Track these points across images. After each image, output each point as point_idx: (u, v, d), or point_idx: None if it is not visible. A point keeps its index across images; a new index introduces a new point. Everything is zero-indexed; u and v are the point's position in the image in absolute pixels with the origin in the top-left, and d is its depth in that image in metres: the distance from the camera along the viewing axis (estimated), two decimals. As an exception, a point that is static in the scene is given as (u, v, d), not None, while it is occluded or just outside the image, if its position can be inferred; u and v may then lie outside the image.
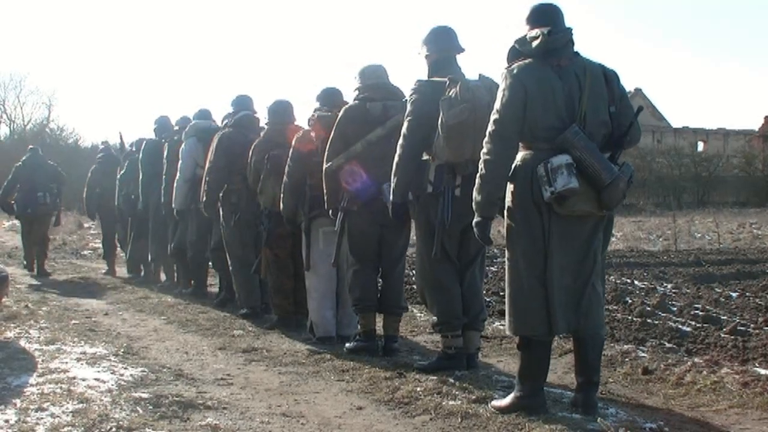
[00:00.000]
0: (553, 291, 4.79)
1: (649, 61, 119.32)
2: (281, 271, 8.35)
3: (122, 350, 7.13)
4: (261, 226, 8.44)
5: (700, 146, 62.48)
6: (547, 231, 4.79)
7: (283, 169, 7.74)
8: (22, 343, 7.34)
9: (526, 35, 4.91)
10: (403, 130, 6.10)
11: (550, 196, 4.66)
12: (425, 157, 6.12)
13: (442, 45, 6.32)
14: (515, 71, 4.84)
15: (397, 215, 6.31)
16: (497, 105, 4.88)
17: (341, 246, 7.05)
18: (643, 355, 6.65)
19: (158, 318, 9.29)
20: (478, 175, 4.95)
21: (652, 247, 21.43)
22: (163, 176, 11.09)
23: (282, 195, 7.75)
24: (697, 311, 8.53)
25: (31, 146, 15.87)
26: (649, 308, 8.57)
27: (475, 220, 5.05)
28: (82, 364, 6.47)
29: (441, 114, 5.76)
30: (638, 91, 67.44)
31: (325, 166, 6.92)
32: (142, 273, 13.31)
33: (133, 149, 13.37)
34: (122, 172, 13.34)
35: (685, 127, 64.49)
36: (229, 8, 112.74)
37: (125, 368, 6.36)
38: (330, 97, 7.76)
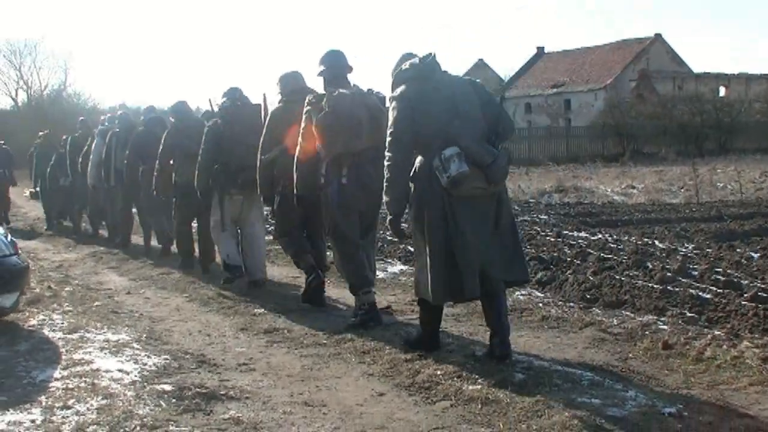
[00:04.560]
0: (468, 264, 5.71)
1: (669, 5, 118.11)
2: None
3: (145, 335, 7.21)
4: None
5: (722, 92, 61.94)
6: (449, 213, 5.71)
7: (193, 155, 9.90)
8: (46, 331, 7.43)
9: (401, 67, 6.11)
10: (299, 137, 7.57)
11: (447, 181, 5.62)
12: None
13: (334, 64, 7.68)
14: (399, 94, 5.96)
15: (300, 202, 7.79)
16: (391, 122, 5.95)
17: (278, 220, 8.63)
18: (663, 327, 6.65)
19: (180, 296, 9.35)
20: (384, 180, 6.01)
21: (673, 199, 21.33)
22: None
23: (197, 171, 9.63)
24: (718, 276, 8.48)
25: None
26: (669, 274, 8.53)
27: (388, 218, 6.12)
28: (105, 353, 6.55)
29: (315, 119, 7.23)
30: (658, 37, 66.78)
31: (260, 159, 8.34)
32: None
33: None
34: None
35: (706, 72, 63.89)
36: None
37: (148, 356, 6.43)
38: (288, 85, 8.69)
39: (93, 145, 14.60)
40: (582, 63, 70.05)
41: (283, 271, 10.35)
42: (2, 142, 22.31)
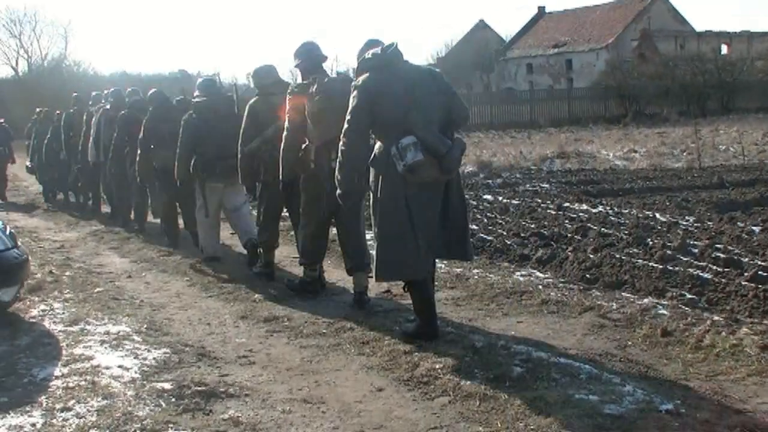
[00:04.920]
0: (418, 245, 6.14)
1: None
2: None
3: (145, 326, 7.21)
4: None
5: (724, 50, 61.59)
6: (404, 197, 6.12)
7: (168, 139, 10.54)
8: (47, 323, 7.43)
9: (365, 55, 6.45)
10: (286, 123, 7.83)
11: (403, 168, 5.98)
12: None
13: (310, 55, 8.02)
14: (361, 82, 6.30)
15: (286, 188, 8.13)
16: (350, 108, 6.31)
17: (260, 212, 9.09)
18: (662, 312, 6.65)
19: (181, 279, 9.37)
20: (337, 162, 6.45)
21: (675, 164, 21.28)
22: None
23: (177, 162, 10.02)
24: (718, 253, 8.47)
25: None
26: (669, 252, 8.52)
27: (338, 193, 6.58)
28: (105, 347, 6.55)
29: (306, 107, 7.52)
30: (659, -5, 66.33)
31: (240, 150, 8.71)
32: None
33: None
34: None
35: (708, 30, 63.52)
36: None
37: (148, 350, 6.43)
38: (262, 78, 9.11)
39: (92, 123, 14.61)
40: (583, 22, 69.66)
41: (284, 251, 10.32)
42: (2, 120, 22.44)
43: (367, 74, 6.32)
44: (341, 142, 6.40)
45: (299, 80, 8.00)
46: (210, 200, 9.98)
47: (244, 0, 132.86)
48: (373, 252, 6.47)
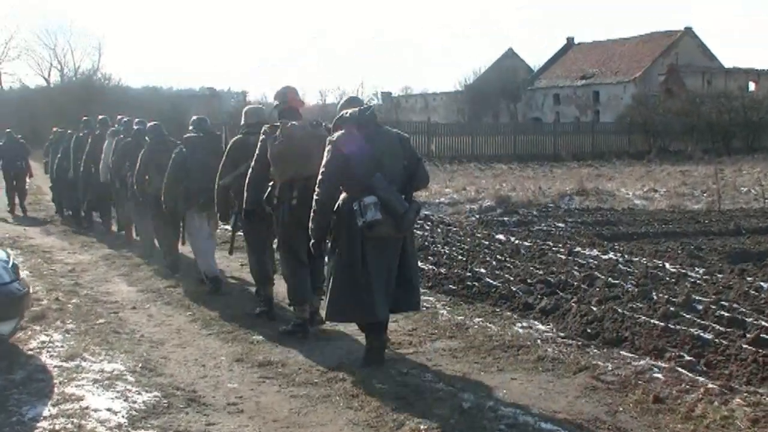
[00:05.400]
0: (372, 290, 6.71)
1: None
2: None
3: (140, 365, 7.22)
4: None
5: (752, 87, 61.30)
6: (362, 248, 6.73)
7: (163, 168, 11.16)
8: (44, 357, 7.47)
9: (343, 113, 7.09)
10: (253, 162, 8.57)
11: (362, 224, 6.61)
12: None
13: (287, 100, 8.76)
14: (335, 139, 6.92)
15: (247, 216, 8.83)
16: (324, 162, 6.93)
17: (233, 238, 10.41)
18: (657, 375, 6.59)
19: (184, 314, 9.39)
20: (312, 210, 7.00)
21: (695, 205, 21.18)
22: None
23: (164, 191, 10.98)
24: (722, 311, 8.38)
25: (8, 129, 23.01)
26: (672, 309, 8.44)
27: (311, 242, 7.15)
28: (97, 387, 6.58)
29: (269, 148, 8.20)
30: (688, 30, 66.24)
31: (218, 182, 9.55)
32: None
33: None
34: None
35: (735, 67, 63.27)
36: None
37: (139, 393, 6.44)
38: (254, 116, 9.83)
39: (105, 145, 15.25)
40: (611, 55, 69.64)
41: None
42: (19, 136, 23.20)
43: (342, 132, 6.94)
44: (315, 192, 6.99)
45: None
46: (190, 227, 10.97)
47: (275, 20, 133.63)
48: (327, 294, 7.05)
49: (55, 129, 21.47)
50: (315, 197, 6.97)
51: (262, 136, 8.44)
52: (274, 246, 9.33)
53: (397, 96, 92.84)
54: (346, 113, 7.06)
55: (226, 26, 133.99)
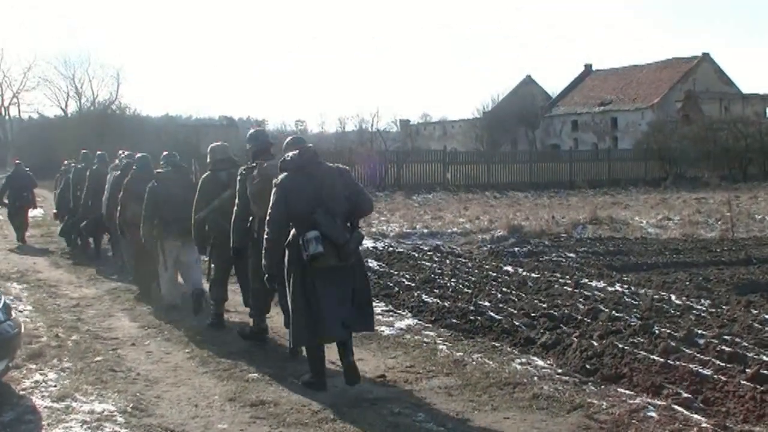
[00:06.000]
0: (323, 315, 7.32)
1: (718, 24, 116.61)
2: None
3: (131, 405, 7.16)
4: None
5: (769, 113, 61.00)
6: (310, 278, 7.36)
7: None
8: (35, 398, 7.41)
9: (285, 156, 7.73)
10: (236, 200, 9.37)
11: (306, 257, 7.21)
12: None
13: (259, 141, 9.68)
14: (280, 181, 7.57)
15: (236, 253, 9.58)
16: (271, 203, 7.60)
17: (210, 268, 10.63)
18: (651, 414, 6.49)
19: (182, 351, 9.34)
20: (263, 248, 7.74)
21: (709, 233, 21.03)
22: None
23: (142, 222, 11.71)
24: (724, 345, 8.26)
25: (17, 161, 23.60)
26: (673, 344, 8.33)
27: (265, 277, 7.90)
28: (85, 429, 6.53)
29: (248, 187, 9.06)
30: (706, 56, 66.12)
31: (194, 217, 10.34)
32: None
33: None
34: None
35: (753, 93, 63.02)
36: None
37: (125, 437, 6.38)
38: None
39: (108, 179, 15.50)
40: (630, 81, 69.59)
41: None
42: (27, 168, 23.68)
43: (285, 174, 7.60)
44: (265, 231, 7.68)
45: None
46: (168, 256, 11.59)
47: (293, 49, 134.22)
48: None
49: (66, 162, 21.63)
50: (265, 236, 7.68)
51: (239, 177, 9.25)
52: None
53: (416, 123, 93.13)
54: (288, 156, 7.71)
55: (245, 55, 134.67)
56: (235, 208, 9.30)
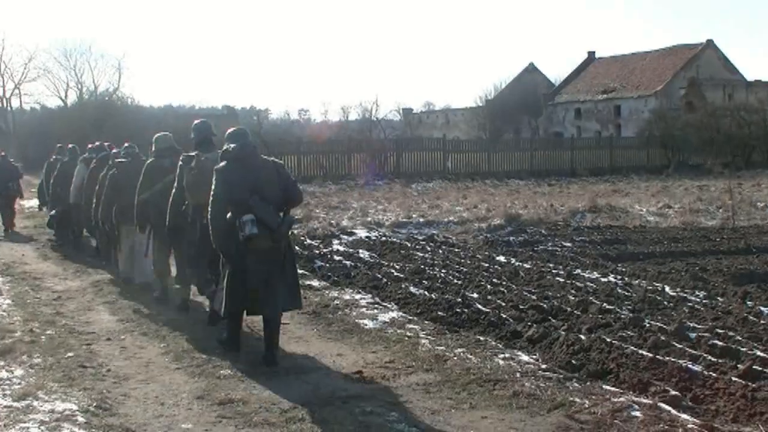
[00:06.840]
0: (255, 291, 8.10)
1: (722, 11, 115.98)
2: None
3: (95, 404, 6.86)
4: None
5: (774, 100, 60.47)
6: (247, 255, 8.06)
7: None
8: (-3, 396, 7.13)
9: (227, 147, 8.35)
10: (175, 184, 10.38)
11: (242, 238, 7.94)
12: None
13: (201, 132, 10.25)
14: (221, 168, 8.29)
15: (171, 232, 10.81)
16: (213, 188, 8.33)
17: (150, 246, 11.82)
18: (635, 414, 6.19)
19: (158, 345, 9.07)
20: (210, 232, 8.44)
21: (709, 221, 20.69)
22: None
23: (100, 210, 13.49)
24: (716, 340, 7.94)
25: (2, 153, 23.51)
26: (663, 338, 8.01)
27: (216, 249, 8.55)
28: (42, 430, 6.23)
29: (184, 177, 10.00)
30: (710, 43, 65.61)
31: (137, 198, 11.50)
32: None
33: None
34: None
35: (757, 80, 62.54)
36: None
37: (83, 439, 6.09)
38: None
39: (76, 170, 16.82)
40: (633, 69, 69.08)
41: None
42: (12, 159, 25.08)
43: (225, 163, 8.32)
44: (208, 212, 8.44)
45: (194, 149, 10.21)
46: (125, 239, 12.93)
47: (295, 37, 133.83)
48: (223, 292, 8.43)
49: (54, 156, 21.40)
50: (208, 216, 8.44)
51: (180, 164, 10.16)
52: None
53: (418, 112, 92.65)
54: (229, 147, 8.33)
55: (247, 44, 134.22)
56: (173, 191, 10.33)
